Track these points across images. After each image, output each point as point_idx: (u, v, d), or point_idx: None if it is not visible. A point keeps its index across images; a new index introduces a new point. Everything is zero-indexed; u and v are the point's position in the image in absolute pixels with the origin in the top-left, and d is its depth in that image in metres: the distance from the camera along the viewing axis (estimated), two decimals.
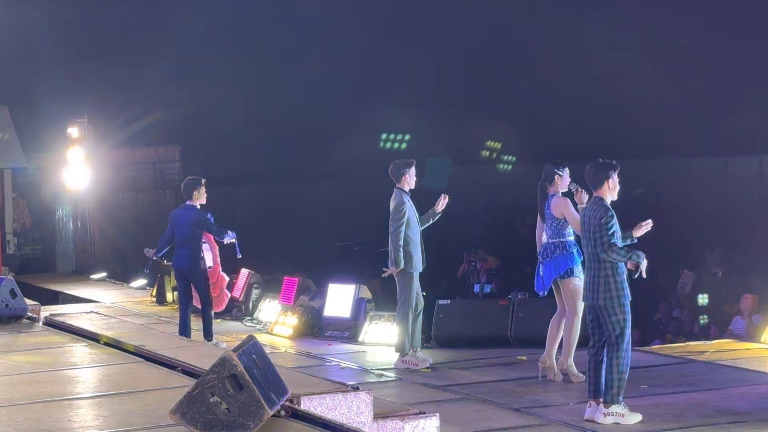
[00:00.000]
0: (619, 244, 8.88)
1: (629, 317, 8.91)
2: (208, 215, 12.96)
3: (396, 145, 35.07)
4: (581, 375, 10.55)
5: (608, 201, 9.00)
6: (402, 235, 11.63)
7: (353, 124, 31.86)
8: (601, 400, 8.91)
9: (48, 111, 25.16)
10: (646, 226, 9.17)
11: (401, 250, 11.63)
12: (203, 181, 13.20)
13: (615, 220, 8.88)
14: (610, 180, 9.00)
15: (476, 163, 34.76)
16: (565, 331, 10.67)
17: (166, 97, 28.93)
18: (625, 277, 8.93)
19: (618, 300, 8.85)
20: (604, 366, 8.94)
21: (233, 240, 13.01)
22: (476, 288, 19.71)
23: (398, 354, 11.88)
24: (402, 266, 11.64)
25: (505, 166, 36.23)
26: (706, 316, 19.77)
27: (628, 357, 8.89)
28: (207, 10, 29.46)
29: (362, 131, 32.49)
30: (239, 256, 13.32)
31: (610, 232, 8.80)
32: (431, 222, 12.00)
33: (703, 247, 24.11)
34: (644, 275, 8.96)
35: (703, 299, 20.87)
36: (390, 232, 11.73)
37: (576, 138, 29.70)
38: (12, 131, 24.29)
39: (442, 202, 11.90)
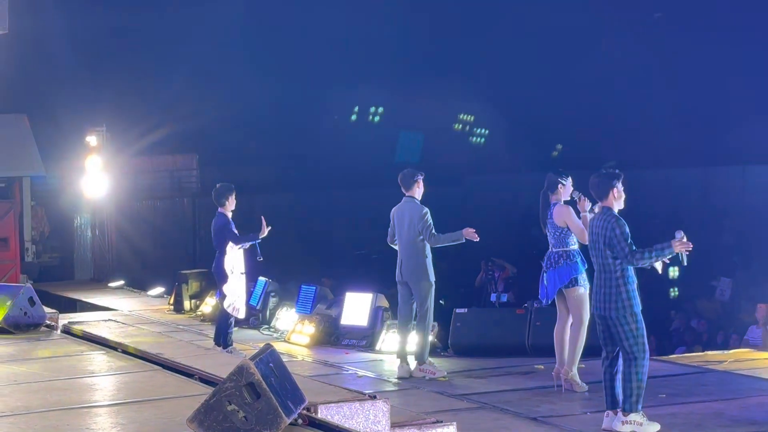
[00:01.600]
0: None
1: (643, 326, 8.87)
2: (228, 221, 13.04)
3: (370, 117, 34.80)
4: (585, 385, 10.54)
5: (616, 210, 8.98)
6: (439, 235, 11.62)
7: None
8: (620, 408, 8.88)
9: (66, 120, 25.27)
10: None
11: (449, 235, 11.61)
12: (233, 187, 13.30)
13: (627, 228, 8.86)
14: (615, 189, 8.97)
15: (449, 137, 34.49)
16: (571, 340, 10.66)
17: (183, 106, 29.00)
18: (636, 286, 8.90)
19: (630, 309, 8.81)
20: (619, 376, 8.90)
21: (253, 242, 13.08)
22: (492, 297, 19.68)
23: (416, 362, 11.87)
24: (462, 236, 11.61)
25: (478, 139, 36.06)
26: (676, 289, 19.84)
27: (646, 366, 8.86)
28: (225, 18, 29.52)
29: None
30: (259, 259, 13.35)
31: (629, 241, 8.76)
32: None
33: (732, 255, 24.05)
34: (685, 262, 8.90)
35: (673, 292, 21.09)
36: (429, 241, 11.68)
37: (584, 146, 29.72)
38: (31, 140, 24.39)
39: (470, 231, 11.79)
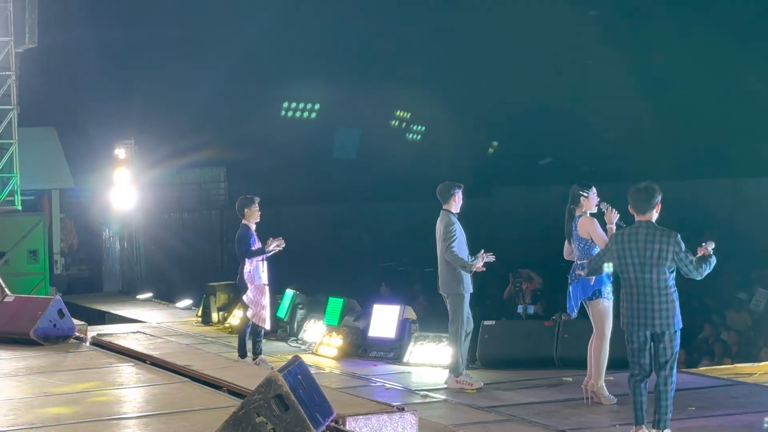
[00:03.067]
0: None
1: (679, 343, 8.84)
2: (246, 233, 13.08)
3: (305, 114, 34.61)
4: (613, 398, 10.48)
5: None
6: (458, 254, 11.62)
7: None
8: (653, 425, 8.79)
9: (95, 132, 25.42)
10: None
11: (462, 260, 11.61)
12: (256, 199, 13.33)
13: None
14: (659, 204, 8.86)
15: (386, 133, 34.31)
16: (594, 353, 10.61)
17: (212, 118, 29.11)
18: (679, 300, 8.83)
19: (679, 326, 8.74)
20: (653, 391, 8.80)
21: (259, 255, 13.13)
22: (519, 309, 19.64)
23: (451, 374, 11.86)
24: (472, 268, 11.61)
25: (414, 136, 35.90)
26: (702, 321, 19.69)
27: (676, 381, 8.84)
28: (252, 29, 29.60)
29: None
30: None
31: (690, 252, 8.69)
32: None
33: (750, 268, 23.91)
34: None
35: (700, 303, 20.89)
36: (445, 254, 11.69)
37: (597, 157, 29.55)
38: (60, 153, 24.55)
39: (480, 263, 11.76)
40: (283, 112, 33.67)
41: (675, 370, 8.76)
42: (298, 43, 31.12)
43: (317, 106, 33.89)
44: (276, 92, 32.31)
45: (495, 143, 34.61)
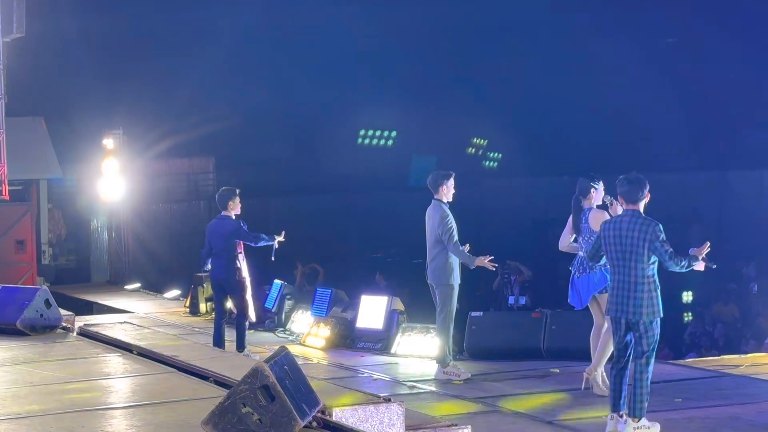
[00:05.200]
0: None
1: (659, 333, 8.87)
2: (241, 224, 13.02)
3: (382, 141, 34.93)
4: (605, 389, 10.49)
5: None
6: (460, 246, 11.61)
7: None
8: (628, 413, 8.85)
9: (83, 122, 25.35)
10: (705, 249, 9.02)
11: (465, 255, 11.62)
12: (237, 191, 13.27)
13: None
14: (647, 195, 8.92)
15: (462, 160, 34.58)
16: (601, 343, 10.61)
17: (200, 109, 29.05)
18: (660, 292, 8.87)
19: (658, 316, 8.77)
20: (629, 380, 8.87)
21: (269, 244, 13.09)
22: (511, 300, 19.68)
23: (439, 365, 11.86)
24: (476, 263, 11.62)
25: (491, 163, 36.09)
26: (690, 314, 19.72)
27: (652, 371, 8.87)
28: (242, 20, 29.56)
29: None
30: (272, 259, 13.37)
31: (667, 242, 8.72)
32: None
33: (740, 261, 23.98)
34: (708, 265, 8.93)
35: (687, 296, 20.92)
36: (449, 247, 11.67)
37: (600, 150, 29.64)
38: (48, 143, 24.49)
39: (487, 261, 11.78)
40: (360, 140, 34.04)
41: (652, 360, 8.79)
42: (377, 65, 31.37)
43: (393, 133, 34.28)
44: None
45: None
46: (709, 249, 8.95)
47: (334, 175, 31.06)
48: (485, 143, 36.25)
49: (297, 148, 32.13)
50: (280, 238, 13.14)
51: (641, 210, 8.90)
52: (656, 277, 8.79)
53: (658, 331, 8.80)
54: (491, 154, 36.34)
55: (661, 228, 8.73)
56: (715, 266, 8.98)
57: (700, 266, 8.89)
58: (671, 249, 8.70)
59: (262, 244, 13.09)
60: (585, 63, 30.80)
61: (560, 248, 10.98)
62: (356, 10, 30.36)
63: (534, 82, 31.58)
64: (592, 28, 30.73)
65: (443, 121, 32.19)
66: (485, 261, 11.63)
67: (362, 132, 34.67)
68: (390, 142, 34.86)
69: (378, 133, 34.90)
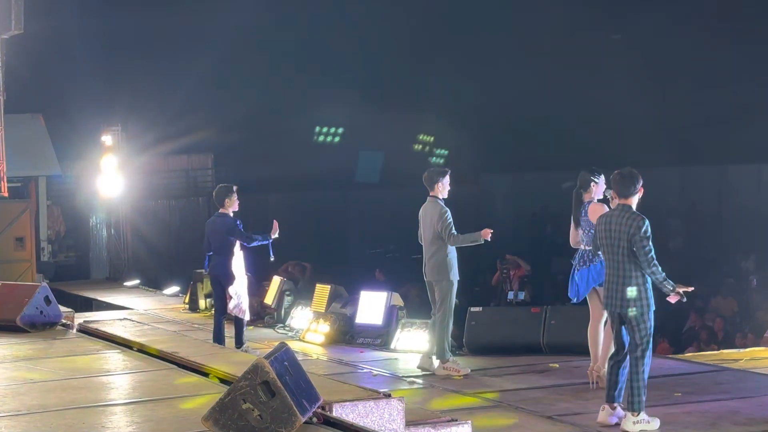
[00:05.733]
0: None
1: (653, 325, 8.91)
2: (237, 222, 13.04)
3: (329, 138, 34.89)
4: None
5: (634, 208, 8.99)
6: (458, 235, 11.63)
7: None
8: (626, 407, 8.89)
9: (82, 119, 25.31)
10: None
11: (469, 235, 11.63)
12: (234, 188, 13.29)
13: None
14: (640, 190, 8.98)
15: (408, 156, 34.51)
16: (605, 338, 10.61)
17: (199, 105, 29.03)
18: (651, 285, 8.91)
19: (648, 309, 8.83)
20: (626, 373, 8.92)
21: (263, 243, 13.10)
22: (510, 295, 19.69)
23: (438, 361, 11.87)
24: (482, 236, 11.63)
25: (437, 159, 36.05)
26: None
27: (649, 364, 8.90)
28: (241, 16, 29.54)
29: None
30: (272, 259, 13.39)
31: (651, 243, 8.77)
32: None
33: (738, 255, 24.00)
34: (680, 299, 8.99)
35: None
36: (449, 242, 11.68)
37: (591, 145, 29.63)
38: (47, 139, 24.47)
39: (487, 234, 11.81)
40: (314, 137, 34.04)
41: (647, 353, 8.84)
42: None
43: (340, 130, 34.22)
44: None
45: None
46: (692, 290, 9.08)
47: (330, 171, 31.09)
48: (432, 140, 36.16)
49: (296, 143, 32.10)
50: (275, 235, 13.15)
51: (633, 205, 8.97)
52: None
53: (650, 324, 8.85)
54: (438, 151, 36.26)
55: (647, 224, 8.80)
56: (685, 300, 9.02)
57: (672, 298, 8.96)
58: (651, 250, 8.74)
59: (255, 244, 13.13)
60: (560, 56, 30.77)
61: (572, 244, 10.99)
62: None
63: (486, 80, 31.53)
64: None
65: (390, 117, 32.11)
66: (488, 232, 11.64)
67: (317, 129, 34.63)
68: (337, 139, 34.77)
69: (324, 129, 34.84)
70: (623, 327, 8.95)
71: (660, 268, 8.81)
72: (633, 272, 8.83)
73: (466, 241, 11.71)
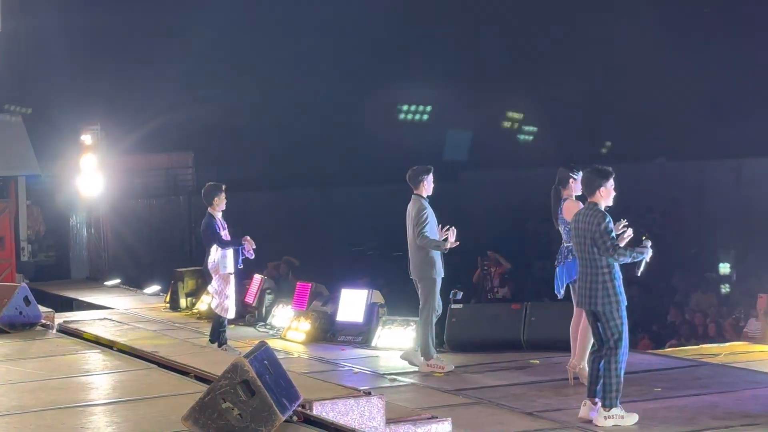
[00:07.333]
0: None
1: (626, 321, 8.97)
2: (214, 224, 13.04)
3: (417, 116, 35.15)
4: None
5: (602, 207, 9.04)
6: (430, 236, 11.63)
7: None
8: (599, 403, 8.94)
9: (61, 118, 25.25)
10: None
11: (435, 240, 11.62)
12: (223, 187, 13.30)
13: (612, 224, 8.96)
14: (603, 188, 9.04)
15: (498, 135, 34.60)
16: (582, 334, 10.65)
17: (178, 104, 28.99)
18: (621, 281, 8.97)
19: (617, 305, 8.90)
20: (601, 369, 8.98)
21: (236, 247, 13.11)
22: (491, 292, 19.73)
23: (422, 358, 11.88)
24: (445, 246, 11.62)
25: (526, 137, 36.22)
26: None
27: (624, 360, 8.94)
28: (219, 15, 29.50)
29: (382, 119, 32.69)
30: (240, 266, 13.39)
31: (611, 236, 8.86)
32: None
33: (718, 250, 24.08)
34: (640, 271, 9.04)
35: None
36: (417, 240, 11.70)
37: (590, 138, 29.74)
38: (26, 139, 24.37)
39: (452, 238, 11.81)
40: (402, 115, 34.20)
41: (620, 349, 8.89)
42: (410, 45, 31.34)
43: (428, 108, 34.36)
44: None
45: (608, 143, 34.38)
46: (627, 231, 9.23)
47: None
48: (521, 117, 36.31)
49: (277, 141, 32.07)
50: (249, 244, 13.15)
51: (602, 202, 9.05)
52: (615, 267, 8.90)
53: (621, 320, 8.91)
54: (526, 128, 36.37)
55: (608, 220, 8.88)
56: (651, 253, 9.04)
57: (648, 256, 9.02)
58: (611, 244, 8.80)
59: (228, 248, 13.11)
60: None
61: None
62: None
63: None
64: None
65: (477, 95, 32.26)
66: (451, 239, 11.63)
67: (404, 107, 34.86)
68: (425, 117, 34.94)
69: (412, 108, 35.11)
70: (598, 323, 9.01)
71: (624, 250, 8.90)
72: (600, 269, 8.92)
73: (431, 245, 11.71)
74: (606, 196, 9.06)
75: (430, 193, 11.91)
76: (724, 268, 22.60)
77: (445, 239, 11.66)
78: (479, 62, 33.33)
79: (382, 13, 31.35)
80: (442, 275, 11.92)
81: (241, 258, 13.23)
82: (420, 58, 32.37)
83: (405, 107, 35.29)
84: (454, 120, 33.67)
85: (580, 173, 10.77)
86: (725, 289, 21.39)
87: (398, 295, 17.10)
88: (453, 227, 11.75)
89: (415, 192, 11.91)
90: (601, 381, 9.03)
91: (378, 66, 32.03)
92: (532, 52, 32.63)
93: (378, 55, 32.25)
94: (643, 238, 9.10)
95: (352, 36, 31.76)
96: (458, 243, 11.69)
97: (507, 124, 36.38)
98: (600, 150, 32.37)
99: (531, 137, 36.02)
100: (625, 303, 8.97)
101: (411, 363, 12.00)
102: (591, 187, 9.10)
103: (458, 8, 32.55)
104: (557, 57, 32.00)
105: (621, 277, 8.98)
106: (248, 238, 13.13)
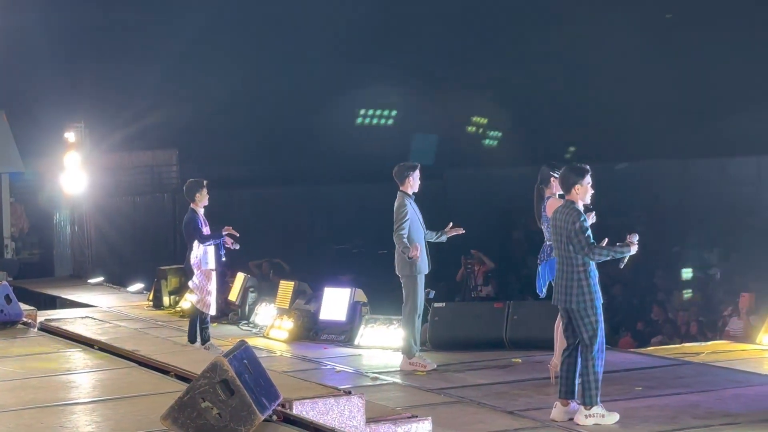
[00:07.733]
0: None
1: (602, 318, 8.98)
2: (196, 220, 13.04)
3: (382, 121, 35.08)
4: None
5: (579, 205, 9.05)
6: (404, 236, 11.62)
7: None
8: (579, 402, 8.96)
9: (45, 115, 25.17)
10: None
11: (403, 244, 11.60)
12: (205, 182, 13.29)
13: (587, 222, 8.97)
14: (578, 186, 9.04)
15: (462, 139, 34.60)
16: (559, 333, 10.66)
17: (163, 101, 28.92)
18: (597, 279, 8.98)
19: (591, 303, 8.91)
20: (578, 368, 8.98)
21: (217, 242, 13.11)
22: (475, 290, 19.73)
23: (404, 356, 11.88)
24: (410, 255, 11.59)
25: (491, 141, 36.24)
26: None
27: (602, 357, 8.95)
28: (203, 11, 29.44)
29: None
30: (223, 259, 13.39)
31: (586, 234, 8.86)
32: (435, 240, 12.00)
33: (701, 248, 24.14)
34: (623, 264, 9.11)
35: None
36: (393, 236, 11.72)
37: (570, 138, 29.78)
38: (9, 136, 24.31)
39: (455, 231, 11.85)
40: (360, 120, 34.09)
41: (597, 346, 8.89)
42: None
43: (393, 113, 34.30)
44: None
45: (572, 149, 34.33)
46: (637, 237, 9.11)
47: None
48: (485, 122, 36.30)
49: (261, 139, 32.02)
50: (230, 237, 13.15)
51: (579, 200, 9.07)
52: (590, 265, 8.91)
53: (595, 318, 8.91)
54: (491, 133, 36.37)
55: (582, 218, 8.89)
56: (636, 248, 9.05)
57: (633, 249, 8.99)
58: (585, 243, 8.81)
59: (208, 243, 13.10)
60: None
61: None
62: None
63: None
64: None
65: (442, 99, 32.19)
66: (412, 253, 11.62)
67: (362, 111, 34.83)
68: (390, 121, 34.93)
69: (377, 112, 35.10)
70: (571, 322, 9.02)
71: (602, 249, 8.88)
72: (576, 267, 8.93)
73: (399, 245, 11.70)
74: (582, 193, 9.05)
75: (416, 190, 11.91)
76: (687, 273, 22.57)
77: (408, 248, 11.60)
78: (444, 65, 33.32)
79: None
80: (427, 272, 11.90)
81: (222, 251, 13.21)
82: (390, 61, 32.29)
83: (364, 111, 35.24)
84: (418, 124, 33.75)
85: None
86: (687, 294, 21.34)
87: (381, 293, 17.12)
88: (460, 227, 11.78)
89: (400, 188, 11.91)
90: (572, 382, 9.03)
91: (351, 68, 31.95)
92: (497, 55, 32.57)
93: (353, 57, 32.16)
94: (628, 235, 9.09)
95: (332, 34, 31.72)
96: (417, 257, 11.64)
97: (471, 128, 36.50)
98: (564, 155, 32.47)
99: (495, 142, 36.13)
100: (601, 301, 8.99)
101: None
102: (567, 185, 9.12)
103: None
104: (522, 60, 32.00)
105: (597, 275, 8.99)
106: (230, 228, 13.12)
